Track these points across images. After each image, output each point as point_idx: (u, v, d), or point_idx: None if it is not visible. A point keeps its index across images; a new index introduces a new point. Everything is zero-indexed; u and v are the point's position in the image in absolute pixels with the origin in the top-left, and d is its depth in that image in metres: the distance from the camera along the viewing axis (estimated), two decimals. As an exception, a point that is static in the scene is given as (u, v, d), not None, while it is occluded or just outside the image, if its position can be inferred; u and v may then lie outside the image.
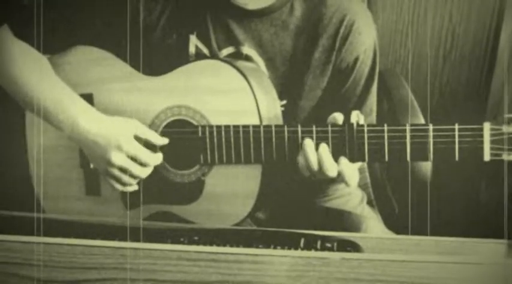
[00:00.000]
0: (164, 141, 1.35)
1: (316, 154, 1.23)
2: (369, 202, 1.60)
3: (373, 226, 1.47)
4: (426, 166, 1.49)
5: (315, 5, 1.37)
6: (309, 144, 1.24)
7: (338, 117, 1.24)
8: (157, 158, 1.34)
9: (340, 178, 1.24)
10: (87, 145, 1.34)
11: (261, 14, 1.36)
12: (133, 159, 1.32)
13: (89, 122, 1.33)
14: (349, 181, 1.24)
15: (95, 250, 1.08)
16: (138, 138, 1.33)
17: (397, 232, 1.41)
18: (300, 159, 1.25)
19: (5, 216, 1.32)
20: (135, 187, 1.36)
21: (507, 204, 1.24)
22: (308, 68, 1.38)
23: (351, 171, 1.23)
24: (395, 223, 1.52)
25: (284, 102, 1.39)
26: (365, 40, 1.38)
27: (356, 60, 1.38)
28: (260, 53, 1.37)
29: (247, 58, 1.37)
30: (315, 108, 1.41)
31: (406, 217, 1.27)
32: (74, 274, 1.08)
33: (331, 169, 1.23)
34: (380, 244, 1.19)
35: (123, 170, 1.32)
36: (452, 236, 1.18)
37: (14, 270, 1.09)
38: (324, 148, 1.23)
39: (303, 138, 1.25)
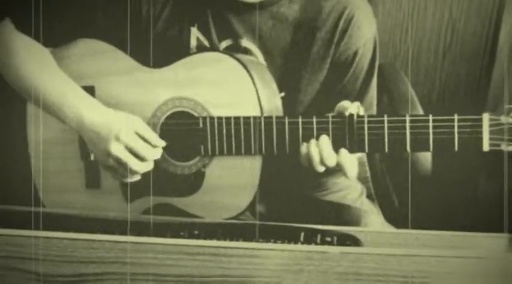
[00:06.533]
0: (162, 143, 1.34)
1: (316, 143, 1.24)
2: (369, 196, 1.60)
3: (373, 220, 1.47)
4: (426, 160, 1.49)
5: None
6: (313, 142, 1.24)
7: (346, 105, 1.24)
8: (156, 153, 1.34)
9: (338, 168, 1.24)
10: (90, 137, 1.34)
11: (260, 6, 1.36)
12: (132, 152, 1.32)
13: (93, 114, 1.33)
14: (349, 173, 1.24)
15: (95, 244, 1.08)
16: (138, 135, 1.33)
17: (397, 226, 1.41)
18: (303, 149, 1.25)
19: (5, 210, 1.32)
20: (135, 178, 1.36)
21: (507, 198, 1.24)
22: (306, 61, 1.38)
23: (351, 162, 1.24)
24: (395, 217, 1.52)
25: (282, 94, 1.39)
26: (365, 33, 1.38)
27: (355, 53, 1.38)
28: (258, 45, 1.38)
29: (246, 51, 1.38)
30: (314, 100, 1.41)
31: (406, 211, 1.27)
32: (73, 268, 1.08)
33: (330, 159, 1.23)
34: (380, 238, 1.20)
35: (120, 162, 1.31)
36: (453, 230, 1.18)
37: (14, 264, 1.09)
38: (325, 139, 1.23)
39: (303, 130, 1.25)
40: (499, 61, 2.07)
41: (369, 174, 1.64)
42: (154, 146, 1.33)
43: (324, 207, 1.51)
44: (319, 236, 1.18)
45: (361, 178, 1.60)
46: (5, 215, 1.30)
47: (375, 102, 1.43)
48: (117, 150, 1.31)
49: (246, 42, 1.38)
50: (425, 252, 1.05)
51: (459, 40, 2.11)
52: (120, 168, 1.33)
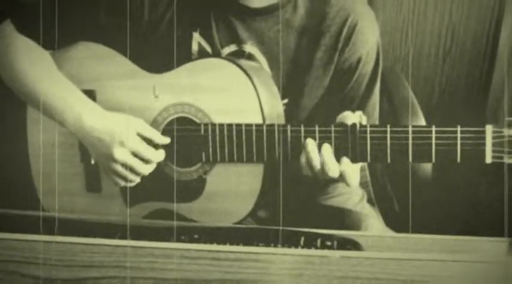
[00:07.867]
0: (166, 140, 1.35)
1: (319, 154, 1.23)
2: (369, 200, 1.59)
3: (373, 224, 1.47)
4: (427, 165, 1.49)
5: (318, 4, 1.37)
6: (311, 143, 1.24)
7: (348, 115, 1.24)
8: (160, 155, 1.34)
9: (341, 178, 1.24)
10: (90, 142, 1.34)
11: (265, 12, 1.36)
12: (136, 156, 1.32)
13: (93, 119, 1.33)
14: (350, 182, 1.24)
15: (95, 248, 1.08)
16: (140, 136, 1.33)
17: (397, 230, 1.41)
18: (302, 159, 1.25)
19: (5, 214, 1.32)
20: (137, 181, 1.36)
21: (507, 202, 1.24)
22: (310, 67, 1.38)
23: (353, 171, 1.23)
24: (395, 221, 1.52)
25: (286, 100, 1.39)
26: (368, 40, 1.38)
27: (359, 60, 1.38)
28: (263, 51, 1.37)
29: (250, 56, 1.38)
30: (317, 107, 1.41)
31: (406, 215, 1.26)
32: (74, 272, 1.08)
33: (333, 169, 1.23)
34: (380, 242, 1.19)
35: (126, 166, 1.32)
36: (453, 234, 1.18)
37: (14, 268, 1.09)
38: (327, 148, 1.23)
39: (305, 138, 1.25)
40: (499, 64, 2.07)
41: (369, 179, 1.64)
42: (158, 144, 1.33)
43: (324, 211, 1.51)
44: (319, 241, 1.18)
45: (361, 183, 1.59)
46: (5, 219, 1.30)
47: (377, 108, 1.43)
48: (122, 155, 1.32)
49: (250, 48, 1.37)
50: (426, 256, 1.05)
51: (459, 43, 2.11)
52: (126, 172, 1.33)
